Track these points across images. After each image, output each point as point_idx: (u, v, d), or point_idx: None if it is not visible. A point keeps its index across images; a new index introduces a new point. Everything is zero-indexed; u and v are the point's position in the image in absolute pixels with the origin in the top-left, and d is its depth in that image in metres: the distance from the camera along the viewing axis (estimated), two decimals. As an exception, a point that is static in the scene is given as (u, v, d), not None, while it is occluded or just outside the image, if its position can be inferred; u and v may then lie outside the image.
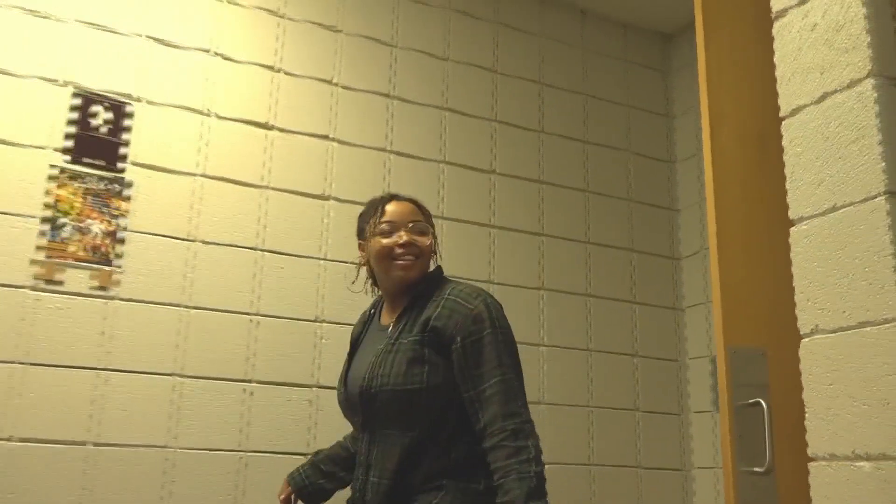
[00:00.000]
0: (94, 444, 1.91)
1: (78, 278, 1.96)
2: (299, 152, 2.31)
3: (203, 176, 2.16)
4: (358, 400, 1.56)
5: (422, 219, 1.69)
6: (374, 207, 1.69)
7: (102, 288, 1.97)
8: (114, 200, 2.03)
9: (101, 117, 2.06)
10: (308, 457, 1.81)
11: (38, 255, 1.93)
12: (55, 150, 2.00)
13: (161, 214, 2.09)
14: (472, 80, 2.62)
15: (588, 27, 2.88)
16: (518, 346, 1.54)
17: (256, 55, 2.31)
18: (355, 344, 1.71)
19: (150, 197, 2.09)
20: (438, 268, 1.70)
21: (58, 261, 1.94)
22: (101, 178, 2.03)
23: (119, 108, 2.09)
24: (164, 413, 1.99)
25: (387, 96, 2.47)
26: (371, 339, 1.68)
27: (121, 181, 2.05)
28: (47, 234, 1.95)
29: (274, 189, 2.25)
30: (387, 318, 1.68)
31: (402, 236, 1.63)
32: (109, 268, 1.99)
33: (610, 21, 2.92)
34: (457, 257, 2.40)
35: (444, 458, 1.50)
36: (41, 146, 1.99)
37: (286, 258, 2.21)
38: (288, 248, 2.22)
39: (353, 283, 1.74)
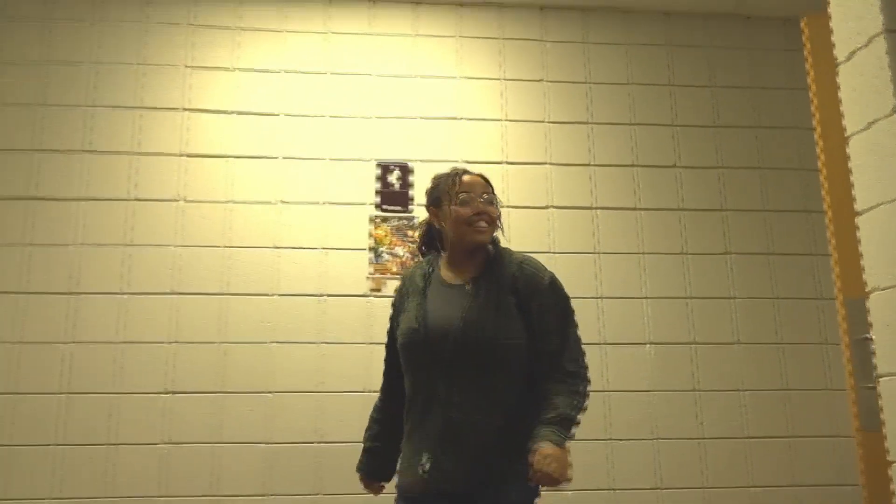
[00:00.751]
0: (419, 393, 2.92)
1: (394, 286, 2.98)
2: (526, 178, 3.15)
3: (463, 207, 3.10)
4: (446, 343, 1.73)
5: (491, 191, 1.88)
6: (449, 179, 1.88)
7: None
8: (409, 232, 3.03)
9: (394, 177, 3.08)
10: None
11: (370, 274, 2.98)
12: (371, 203, 3.05)
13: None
14: (651, 98, 3.28)
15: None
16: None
17: (488, 112, 3.19)
18: (417, 294, 1.84)
19: (431, 226, 3.06)
20: (500, 248, 1.88)
21: (381, 276, 2.98)
22: (399, 218, 3.04)
23: (405, 169, 3.09)
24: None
25: (587, 123, 3.23)
26: (442, 294, 1.83)
27: (412, 218, 3.05)
28: (373, 260, 2.99)
29: (512, 207, 3.12)
30: (453, 277, 1.85)
31: (479, 206, 1.83)
32: (413, 277, 3.00)
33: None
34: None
35: (515, 403, 1.74)
36: (362, 203, 3.05)
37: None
38: (526, 248, 3.08)
39: (418, 244, 1.99)
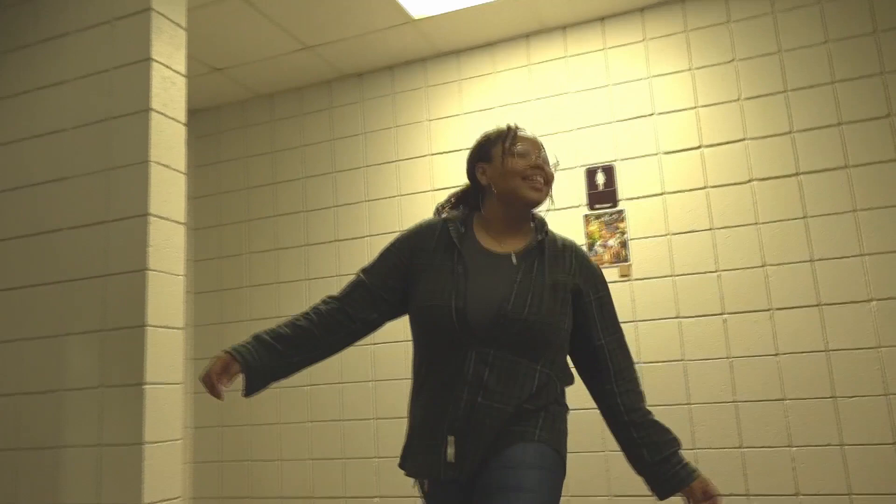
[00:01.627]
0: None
1: (611, 273, 3.42)
2: (725, 157, 3.34)
3: (663, 194, 3.40)
4: (486, 320, 1.58)
5: (551, 158, 1.77)
6: (502, 134, 1.75)
7: (624, 276, 3.40)
8: (617, 224, 3.44)
9: (600, 178, 3.51)
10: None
11: (588, 265, 3.45)
12: (582, 205, 3.53)
13: (646, 224, 3.41)
14: (851, 51, 3.21)
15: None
16: None
17: (681, 103, 3.45)
18: (449, 257, 1.67)
19: (636, 216, 3.43)
20: (539, 213, 1.78)
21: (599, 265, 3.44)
22: (609, 214, 3.47)
23: (608, 170, 3.51)
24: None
25: (782, 92, 3.29)
26: (484, 263, 1.66)
27: (619, 212, 3.45)
28: (590, 253, 3.47)
29: (712, 187, 3.33)
30: (497, 246, 1.70)
31: (537, 160, 1.70)
32: (626, 263, 3.40)
33: None
34: None
35: (554, 389, 1.65)
36: (576, 205, 3.54)
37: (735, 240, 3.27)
38: (731, 223, 3.27)
39: (448, 201, 1.85)
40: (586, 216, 3.51)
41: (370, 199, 3.97)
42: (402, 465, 1.70)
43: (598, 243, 3.47)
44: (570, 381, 1.73)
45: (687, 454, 1.75)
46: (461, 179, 3.44)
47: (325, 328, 1.68)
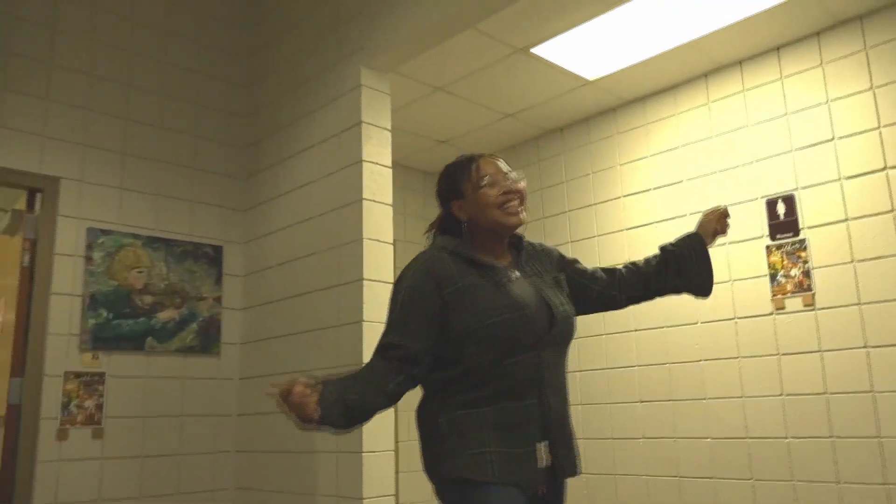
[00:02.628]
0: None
1: (794, 303, 3.43)
2: (917, 176, 3.16)
3: (846, 220, 3.32)
4: (547, 323, 1.71)
5: (519, 173, 1.83)
6: (463, 168, 1.79)
7: (808, 305, 3.38)
8: (799, 253, 3.44)
9: (781, 208, 3.54)
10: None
11: (773, 293, 3.50)
12: (764, 236, 3.58)
13: (830, 252, 3.35)
14: None
15: None
16: None
17: (863, 124, 3.33)
18: (478, 277, 1.73)
19: (819, 244, 3.39)
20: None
21: (781, 296, 3.47)
22: (791, 243, 3.48)
23: (789, 199, 3.52)
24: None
25: None
26: (505, 277, 1.75)
27: (801, 241, 3.45)
28: (772, 284, 3.51)
29: (906, 208, 3.18)
30: (497, 262, 1.79)
31: (507, 185, 1.76)
32: (810, 293, 3.39)
33: None
34: None
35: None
36: (758, 237, 3.60)
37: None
38: (928, 247, 3.09)
39: (427, 237, 1.88)
40: (768, 247, 3.56)
41: (573, 239, 4.42)
42: (474, 475, 1.62)
43: (780, 273, 3.50)
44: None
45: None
46: (651, 217, 3.77)
47: (381, 388, 1.71)
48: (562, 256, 1.95)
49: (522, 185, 1.80)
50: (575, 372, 4.20)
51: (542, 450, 1.66)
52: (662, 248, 1.98)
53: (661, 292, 1.98)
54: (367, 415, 1.72)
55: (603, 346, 4.16)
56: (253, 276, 3.98)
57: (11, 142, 3.41)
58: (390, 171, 3.54)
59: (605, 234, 4.25)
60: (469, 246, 1.78)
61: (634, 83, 4.01)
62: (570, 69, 3.80)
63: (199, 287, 3.91)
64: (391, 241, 3.48)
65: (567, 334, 1.76)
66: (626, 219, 4.17)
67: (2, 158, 3.37)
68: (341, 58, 3.58)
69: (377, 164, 3.50)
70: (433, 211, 1.95)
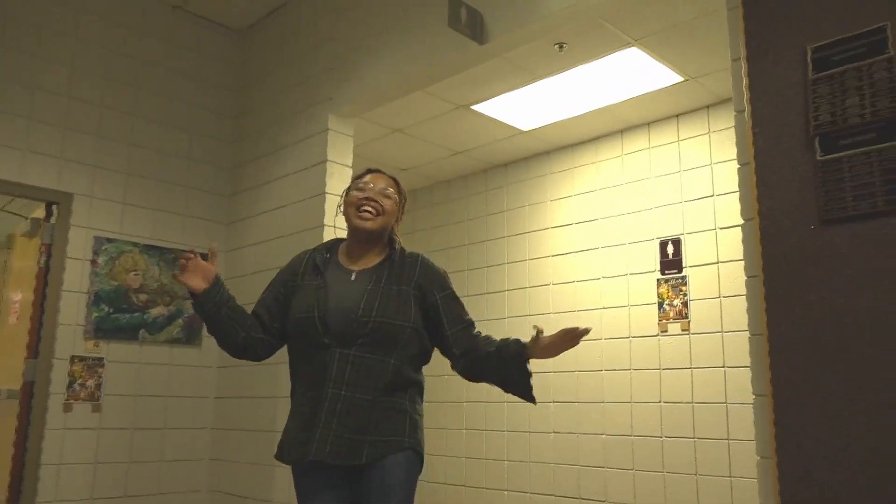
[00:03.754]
0: (698, 403, 4.05)
1: (675, 327, 4.18)
2: (773, 231, 3.92)
3: (717, 263, 4.08)
4: (343, 325, 1.93)
5: (394, 191, 2.09)
6: (357, 176, 2.16)
7: (684, 330, 4.14)
8: (681, 287, 4.20)
9: (670, 249, 4.29)
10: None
11: (659, 319, 4.25)
12: (656, 270, 4.33)
13: (705, 286, 4.11)
14: None
15: None
16: None
17: (733, 187, 4.08)
18: (316, 276, 2.06)
19: (698, 281, 4.14)
20: (400, 245, 2.13)
21: (665, 321, 4.22)
22: (675, 279, 4.23)
23: (676, 242, 4.28)
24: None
25: None
26: (341, 280, 2.03)
27: (683, 277, 4.20)
28: (660, 311, 4.26)
29: (763, 257, 3.93)
30: (351, 265, 2.06)
31: (371, 193, 2.04)
32: (686, 320, 4.15)
33: None
34: None
35: (408, 376, 2.00)
36: (651, 271, 4.36)
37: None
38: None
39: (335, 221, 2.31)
40: (658, 280, 4.32)
41: (510, 261, 5.16)
42: (279, 455, 2.02)
43: (665, 302, 4.26)
44: (426, 360, 2.12)
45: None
46: (573, 247, 4.38)
47: (247, 326, 2.09)
48: (433, 282, 2.09)
49: (387, 202, 2.08)
50: (505, 374, 4.95)
51: (320, 432, 1.91)
52: (499, 352, 2.03)
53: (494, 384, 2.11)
54: (221, 331, 2.06)
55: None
56: (232, 281, 4.69)
57: (35, 163, 4.11)
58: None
59: (535, 259, 5.00)
60: (342, 248, 2.14)
61: (563, 134, 4.74)
62: (506, 122, 4.53)
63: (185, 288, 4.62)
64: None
65: (368, 335, 1.94)
66: (553, 247, 4.91)
67: (27, 176, 4.07)
68: (313, 103, 4.29)
69: (338, 195, 4.21)
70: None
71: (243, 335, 2.08)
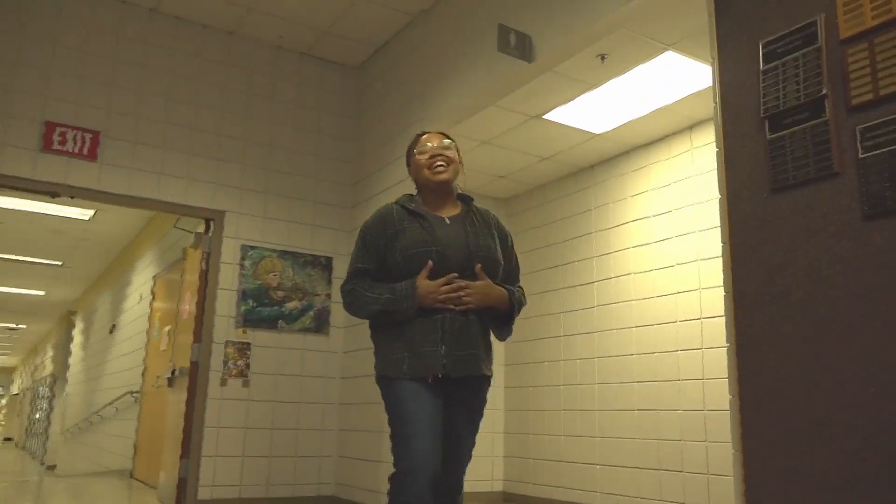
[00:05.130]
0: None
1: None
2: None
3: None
4: (461, 257, 2.20)
5: (450, 142, 2.35)
6: (411, 143, 2.43)
7: (747, 309, 4.40)
8: (744, 269, 4.46)
9: (734, 234, 4.56)
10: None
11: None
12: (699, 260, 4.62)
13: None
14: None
15: None
16: None
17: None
18: (414, 221, 2.27)
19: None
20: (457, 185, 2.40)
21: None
22: (740, 261, 4.50)
23: (740, 227, 4.54)
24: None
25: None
26: (439, 222, 2.28)
27: (746, 259, 4.46)
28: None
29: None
30: (442, 212, 2.31)
31: (434, 149, 2.29)
32: (750, 299, 4.40)
33: None
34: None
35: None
36: (718, 256, 4.64)
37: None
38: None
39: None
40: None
41: (597, 254, 5.61)
42: (394, 373, 2.26)
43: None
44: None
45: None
46: (653, 237, 4.83)
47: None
48: (504, 232, 2.47)
49: (450, 152, 2.33)
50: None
51: (443, 350, 2.17)
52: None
53: None
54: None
55: (530, 348, 5.34)
56: (352, 279, 5.54)
57: (196, 188, 5.20)
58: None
59: (618, 251, 5.41)
60: (418, 200, 2.36)
61: (634, 134, 5.14)
62: (578, 127, 5.02)
63: (315, 286, 5.54)
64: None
65: (483, 265, 2.25)
66: (634, 239, 5.30)
67: (190, 198, 5.17)
68: (409, 124, 5.06)
69: (431, 201, 4.93)
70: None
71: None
